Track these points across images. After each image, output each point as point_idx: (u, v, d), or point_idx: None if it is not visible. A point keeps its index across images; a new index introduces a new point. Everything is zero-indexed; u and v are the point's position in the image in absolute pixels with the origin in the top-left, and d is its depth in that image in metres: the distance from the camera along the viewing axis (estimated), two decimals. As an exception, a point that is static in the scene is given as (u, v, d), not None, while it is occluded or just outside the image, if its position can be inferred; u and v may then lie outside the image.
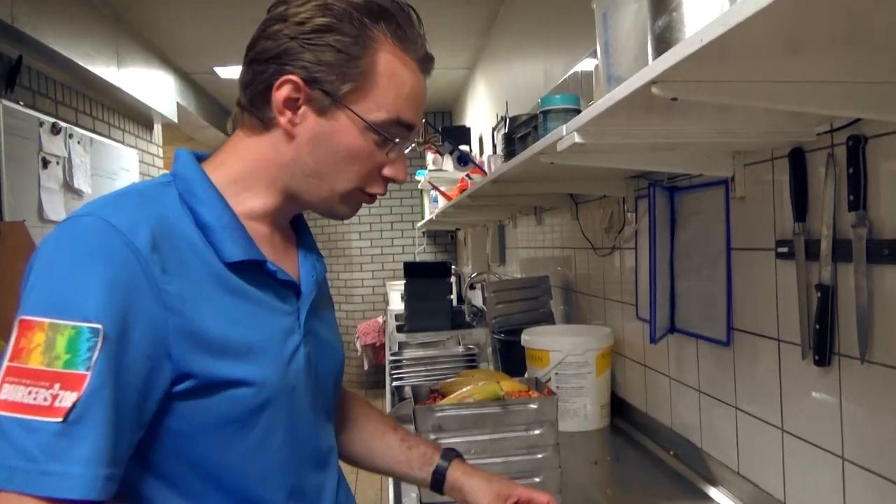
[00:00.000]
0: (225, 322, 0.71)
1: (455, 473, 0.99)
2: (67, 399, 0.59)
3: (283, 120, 0.77)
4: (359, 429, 1.05)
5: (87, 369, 0.60)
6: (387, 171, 0.81)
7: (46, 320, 0.61)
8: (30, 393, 0.58)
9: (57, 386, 0.59)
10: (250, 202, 0.80)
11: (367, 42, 0.76)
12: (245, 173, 0.80)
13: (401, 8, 0.81)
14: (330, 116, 0.77)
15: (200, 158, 0.82)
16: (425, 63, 0.82)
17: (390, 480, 1.38)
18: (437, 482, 1.00)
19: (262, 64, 0.77)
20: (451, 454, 1.02)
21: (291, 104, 0.76)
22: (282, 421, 0.76)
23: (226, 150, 0.83)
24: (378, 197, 0.84)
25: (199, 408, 0.69)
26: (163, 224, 0.70)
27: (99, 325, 0.61)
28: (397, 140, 0.80)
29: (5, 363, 0.60)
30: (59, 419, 0.58)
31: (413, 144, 0.84)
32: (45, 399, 0.58)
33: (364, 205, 0.86)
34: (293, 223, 0.94)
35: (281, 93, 0.76)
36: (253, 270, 0.77)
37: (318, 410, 0.86)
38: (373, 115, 0.77)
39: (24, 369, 0.59)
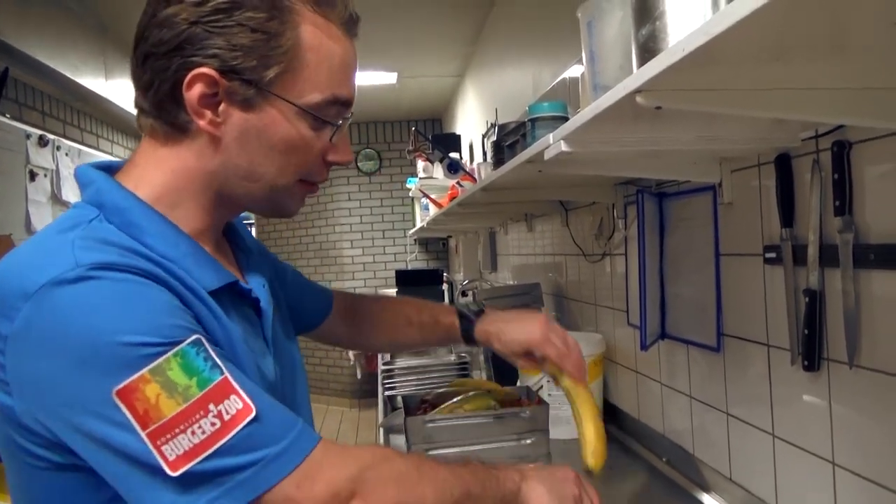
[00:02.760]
0: (227, 350, 0.67)
1: (484, 326, 1.05)
2: (233, 405, 0.57)
3: (202, 123, 0.66)
4: (376, 323, 1.09)
5: (222, 373, 0.58)
6: (331, 157, 0.73)
7: (143, 371, 0.55)
8: (193, 433, 0.55)
9: (211, 406, 0.56)
10: (183, 221, 0.70)
11: (284, 15, 0.65)
12: (169, 189, 0.69)
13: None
14: (257, 108, 0.66)
15: (111, 172, 0.71)
16: (351, 25, 0.72)
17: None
18: (466, 329, 1.06)
19: (162, 58, 0.65)
20: (471, 313, 1.07)
21: (208, 102, 0.65)
22: None
23: (139, 164, 0.71)
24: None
25: None
26: (139, 256, 0.62)
27: (195, 336, 0.58)
28: (339, 122, 0.71)
29: (143, 436, 0.54)
30: (251, 416, 0.57)
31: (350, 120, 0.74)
32: (213, 424, 0.56)
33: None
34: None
35: (194, 91, 0.64)
36: (222, 297, 0.69)
37: (302, 403, 0.84)
38: (306, 98, 0.67)
39: (167, 422, 0.55)
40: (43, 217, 3.02)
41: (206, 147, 0.68)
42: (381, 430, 1.80)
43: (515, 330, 1.01)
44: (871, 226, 0.86)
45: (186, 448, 0.54)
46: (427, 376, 2.11)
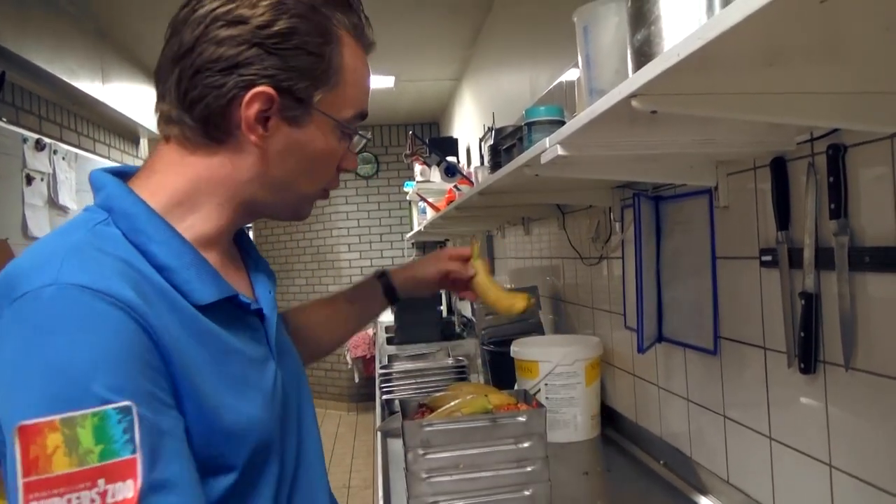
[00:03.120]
0: (212, 369, 0.65)
1: (395, 278, 1.17)
2: (123, 491, 0.52)
3: (253, 137, 0.69)
4: (311, 328, 1.10)
5: (133, 452, 0.53)
6: (344, 165, 0.79)
7: (56, 417, 0.52)
8: (69, 501, 0.50)
9: (101, 482, 0.51)
10: (199, 226, 0.71)
11: (333, 40, 0.71)
12: (191, 194, 0.71)
13: (367, 20, 0.77)
14: (303, 124, 0.71)
15: (124, 177, 0.72)
16: (371, 48, 0.79)
17: (379, 473, 1.37)
18: (388, 288, 1.16)
19: (217, 75, 0.67)
20: (381, 273, 1.17)
21: (262, 118, 0.68)
22: (276, 454, 0.72)
23: (160, 170, 0.72)
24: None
25: (212, 476, 0.63)
26: (130, 272, 0.61)
27: (124, 402, 0.53)
28: (360, 133, 0.78)
29: (20, 482, 0.51)
30: None
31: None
32: (93, 500, 0.51)
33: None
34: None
35: (252, 108, 0.67)
36: (222, 307, 0.69)
37: (307, 416, 0.83)
38: (343, 113, 0.74)
39: (51, 479, 0.51)
40: (39, 221, 3.02)
41: (246, 158, 0.71)
42: (379, 433, 1.80)
43: (424, 268, 1.19)
44: (867, 229, 0.87)
45: None
46: (425, 380, 2.11)
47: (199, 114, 0.69)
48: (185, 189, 0.71)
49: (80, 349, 0.54)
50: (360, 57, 0.75)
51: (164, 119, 0.72)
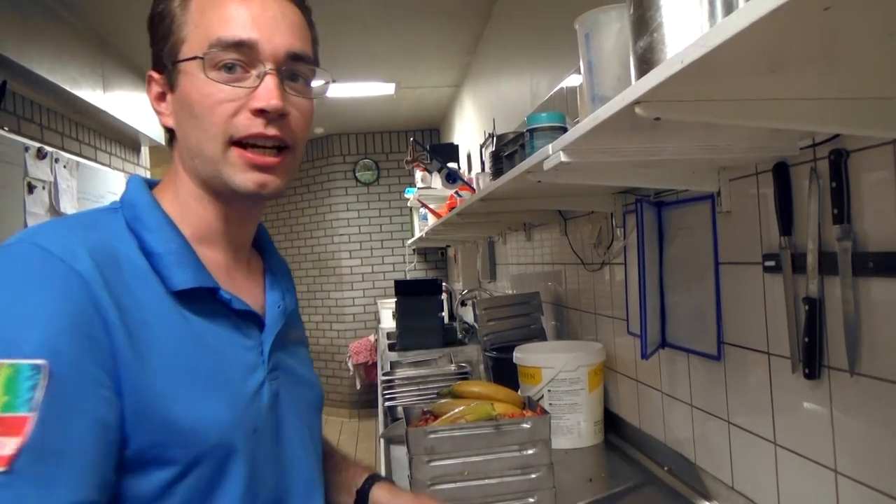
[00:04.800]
0: (173, 359, 0.65)
1: (378, 492, 0.92)
2: (9, 446, 0.52)
3: (162, 120, 0.75)
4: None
5: (30, 411, 0.54)
6: (253, 104, 0.70)
7: None
8: None
9: None
10: (190, 217, 0.74)
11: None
12: (177, 189, 0.75)
13: None
14: (177, 85, 0.72)
15: (153, 185, 0.78)
16: None
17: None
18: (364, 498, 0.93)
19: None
20: (376, 477, 0.96)
21: (161, 98, 0.75)
22: (240, 465, 0.69)
23: (168, 172, 0.79)
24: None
25: (146, 465, 0.62)
26: (103, 248, 0.64)
27: (41, 362, 0.55)
28: (233, 63, 0.70)
29: None
30: (3, 468, 0.52)
31: (271, 70, 0.70)
32: None
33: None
34: (258, 247, 0.87)
35: (151, 94, 0.75)
36: (205, 300, 0.70)
37: (303, 448, 0.80)
38: (196, 49, 0.70)
39: None
40: (41, 230, 3.02)
41: (176, 142, 0.76)
42: (382, 440, 1.80)
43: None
44: (870, 233, 0.87)
45: None
46: (427, 387, 2.11)
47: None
48: (174, 188, 0.76)
49: (22, 302, 0.57)
50: None
51: None
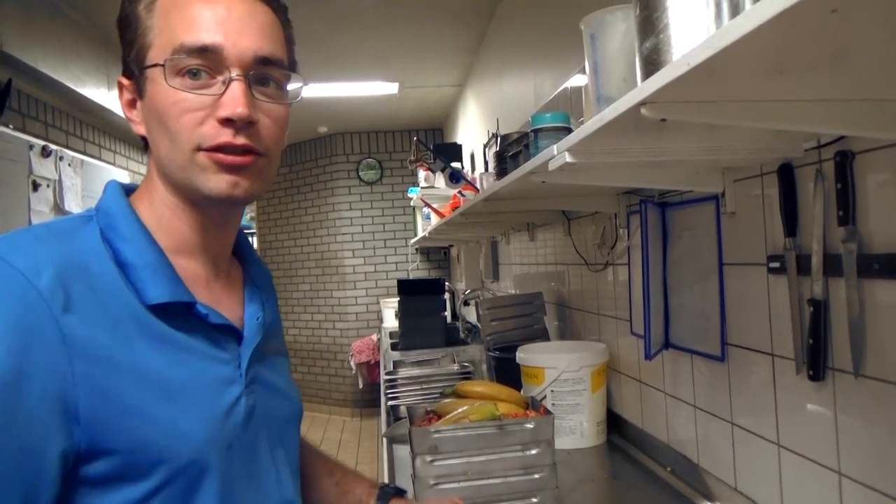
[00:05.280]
0: (146, 374, 0.63)
1: None
2: None
3: (135, 127, 0.72)
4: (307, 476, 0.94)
5: None
6: (220, 113, 0.67)
7: None
8: None
9: None
10: (166, 227, 0.72)
11: (149, 1, 0.69)
12: (152, 198, 0.73)
13: None
14: (145, 92, 0.69)
15: (131, 191, 0.75)
16: None
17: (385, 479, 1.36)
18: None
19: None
20: (388, 494, 0.93)
21: (131, 106, 0.72)
22: (213, 483, 0.66)
23: (144, 180, 0.76)
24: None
25: (114, 482, 0.61)
26: (71, 263, 0.61)
27: None
28: (198, 68, 0.67)
29: None
30: None
31: (238, 77, 0.67)
32: None
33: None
34: (239, 255, 0.84)
35: (122, 101, 0.73)
36: (181, 314, 0.68)
37: (278, 464, 0.78)
38: (160, 55, 0.67)
39: None
40: (46, 228, 3.03)
41: (150, 150, 0.73)
42: (385, 440, 1.80)
43: None
44: (875, 235, 0.87)
45: None
46: (429, 386, 2.11)
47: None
48: (149, 196, 0.73)
49: None
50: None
51: None
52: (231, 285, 0.79)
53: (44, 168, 3.04)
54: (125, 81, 0.72)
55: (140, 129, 0.72)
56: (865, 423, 0.90)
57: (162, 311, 0.66)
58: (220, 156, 0.67)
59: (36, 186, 2.98)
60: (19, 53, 2.65)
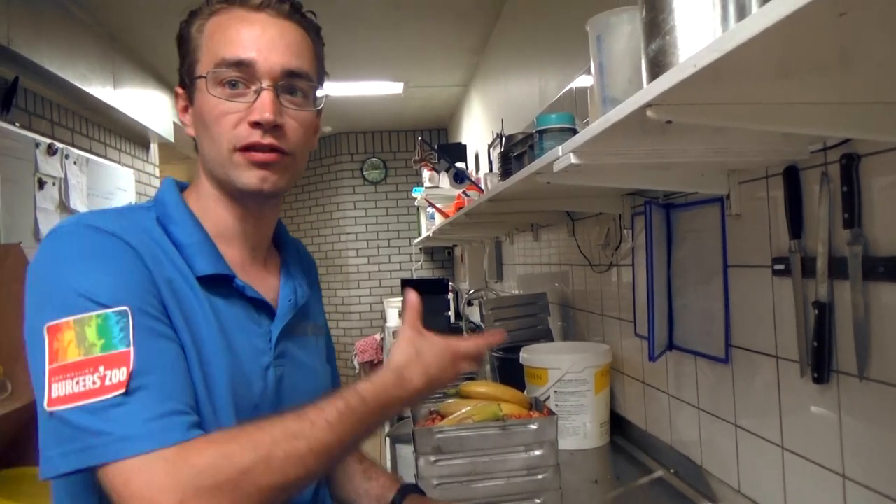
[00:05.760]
0: (197, 325, 0.75)
1: None
2: (117, 375, 0.64)
3: (186, 130, 0.85)
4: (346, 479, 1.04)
5: (129, 345, 0.66)
6: (251, 117, 0.78)
7: (70, 318, 0.66)
8: (77, 383, 0.63)
9: (101, 368, 0.64)
10: (210, 216, 0.84)
11: (200, 24, 0.82)
12: (199, 191, 0.85)
13: None
14: (195, 99, 0.82)
15: (184, 188, 0.88)
16: (244, 1, 0.81)
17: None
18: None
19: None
20: (407, 489, 1.01)
21: (185, 111, 0.85)
22: None
23: (195, 177, 0.88)
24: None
25: None
26: (141, 235, 0.75)
27: (123, 308, 0.67)
28: (235, 80, 0.78)
29: (46, 369, 0.65)
30: (121, 391, 0.63)
31: (268, 87, 0.79)
32: (94, 382, 0.63)
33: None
34: (278, 246, 0.95)
35: (178, 106, 0.86)
36: (224, 287, 0.80)
37: None
38: (205, 68, 0.80)
39: (65, 366, 0.64)
40: (51, 225, 3.03)
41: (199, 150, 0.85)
42: (388, 439, 1.80)
43: None
44: (881, 238, 0.87)
45: (67, 392, 0.63)
46: (433, 386, 2.11)
47: None
48: (199, 190, 0.86)
49: (92, 266, 0.69)
50: (225, 17, 0.81)
51: None
52: (267, 271, 0.90)
53: (49, 166, 3.05)
54: (180, 91, 0.85)
55: (190, 132, 0.85)
56: (870, 425, 0.90)
57: (209, 282, 0.78)
58: (251, 153, 0.79)
59: (42, 184, 2.99)
60: (26, 51, 2.66)
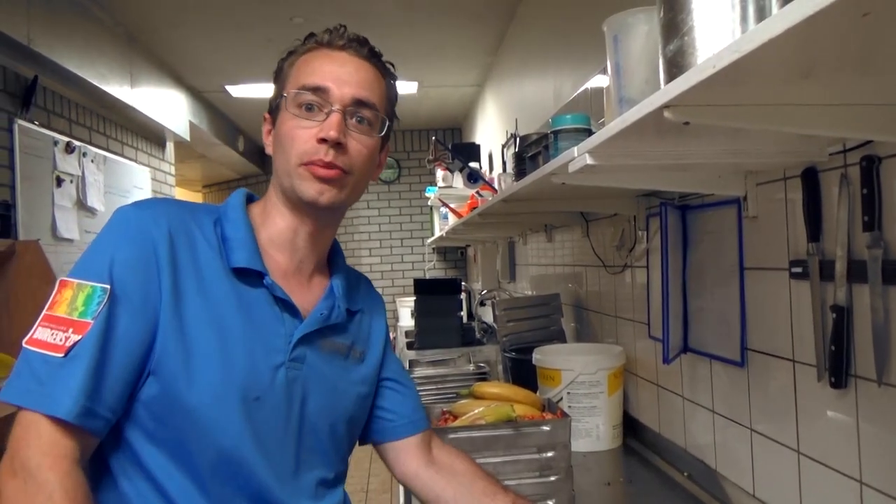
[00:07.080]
0: (212, 313, 0.82)
1: None
2: (72, 340, 0.75)
3: (267, 149, 0.95)
4: (466, 485, 1.01)
5: (92, 318, 0.76)
6: (318, 134, 0.87)
7: (76, 280, 0.78)
8: (53, 334, 0.75)
9: (70, 330, 0.75)
10: (269, 224, 0.93)
11: (293, 60, 0.93)
12: (265, 202, 0.95)
13: (328, 31, 0.93)
14: (277, 121, 0.92)
15: (253, 200, 0.98)
16: (331, 43, 0.92)
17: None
18: None
19: None
20: None
21: (269, 134, 0.95)
22: (243, 423, 0.81)
23: (266, 192, 0.97)
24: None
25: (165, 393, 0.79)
26: (184, 224, 0.85)
27: (108, 286, 0.77)
28: (311, 103, 0.88)
29: (45, 312, 0.77)
30: (62, 354, 0.74)
31: (338, 110, 0.88)
32: (61, 340, 0.75)
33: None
34: (332, 270, 1.00)
35: (264, 129, 0.96)
36: (255, 282, 0.87)
37: (303, 449, 0.88)
38: (287, 92, 0.90)
39: (54, 316, 0.76)
40: (68, 222, 3.07)
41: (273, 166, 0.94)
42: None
43: None
44: (901, 242, 0.85)
45: (41, 338, 0.75)
46: (445, 386, 2.12)
47: None
48: (267, 198, 0.95)
49: (112, 244, 0.81)
50: (312, 52, 0.92)
51: None
52: (311, 285, 0.95)
53: (67, 164, 3.09)
54: (267, 116, 0.95)
55: (269, 150, 0.95)
56: (888, 431, 0.89)
57: (242, 274, 0.86)
58: (314, 167, 0.87)
59: (60, 182, 3.02)
60: (46, 51, 2.69)
